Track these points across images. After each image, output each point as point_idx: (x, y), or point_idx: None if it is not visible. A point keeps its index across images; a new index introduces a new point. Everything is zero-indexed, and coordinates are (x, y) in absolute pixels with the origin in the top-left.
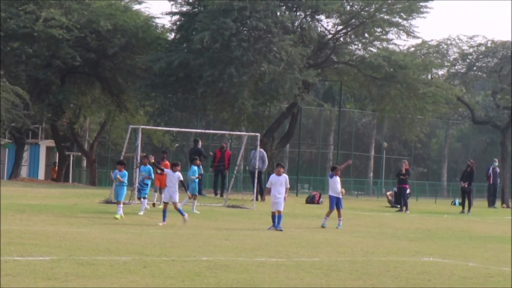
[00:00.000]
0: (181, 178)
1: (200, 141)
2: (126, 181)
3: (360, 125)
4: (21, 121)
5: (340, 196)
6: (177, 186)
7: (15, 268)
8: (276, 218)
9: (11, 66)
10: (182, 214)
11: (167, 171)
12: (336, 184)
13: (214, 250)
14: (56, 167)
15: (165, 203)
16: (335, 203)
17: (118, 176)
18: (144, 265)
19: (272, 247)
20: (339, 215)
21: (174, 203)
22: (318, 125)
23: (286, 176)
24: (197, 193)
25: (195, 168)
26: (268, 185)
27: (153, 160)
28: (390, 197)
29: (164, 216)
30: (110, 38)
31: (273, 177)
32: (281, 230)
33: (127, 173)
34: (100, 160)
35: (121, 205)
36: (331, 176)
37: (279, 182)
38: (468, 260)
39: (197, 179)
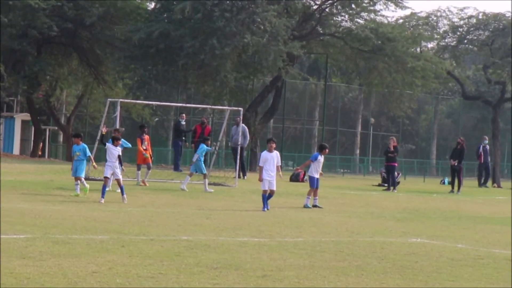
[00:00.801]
0: (120, 154)
1: (184, 115)
2: (85, 155)
3: (346, 100)
4: None
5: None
6: (117, 161)
7: None
8: (266, 198)
9: None
10: (123, 193)
11: (108, 145)
12: (320, 165)
13: (195, 229)
14: (41, 144)
15: (106, 178)
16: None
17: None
18: (122, 244)
19: (255, 227)
20: (316, 195)
21: (118, 180)
22: (303, 99)
23: (278, 153)
24: (205, 172)
25: (205, 147)
26: (260, 163)
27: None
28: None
29: (103, 193)
30: (88, 7)
31: (265, 153)
32: (268, 209)
33: (86, 147)
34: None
35: (79, 182)
36: (316, 157)
37: (272, 159)
38: (457, 242)
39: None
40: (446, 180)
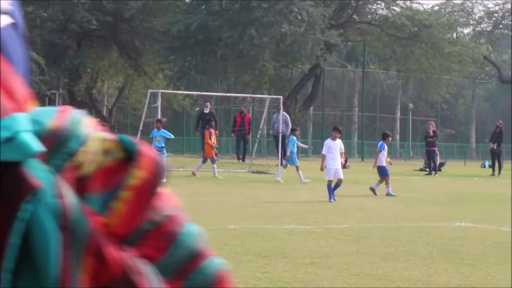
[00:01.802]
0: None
1: (208, 104)
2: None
3: (385, 86)
4: (37, 87)
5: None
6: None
7: None
8: (332, 188)
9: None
10: None
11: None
12: (385, 153)
13: (241, 218)
14: None
15: None
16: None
17: None
18: None
19: (300, 214)
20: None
21: None
22: (342, 86)
23: (341, 141)
24: (297, 164)
25: (295, 138)
26: (324, 151)
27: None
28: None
29: None
30: (127, 0)
31: (329, 141)
32: (335, 200)
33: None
34: (119, 126)
35: None
36: (383, 146)
37: (336, 147)
38: (501, 225)
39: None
40: (487, 163)
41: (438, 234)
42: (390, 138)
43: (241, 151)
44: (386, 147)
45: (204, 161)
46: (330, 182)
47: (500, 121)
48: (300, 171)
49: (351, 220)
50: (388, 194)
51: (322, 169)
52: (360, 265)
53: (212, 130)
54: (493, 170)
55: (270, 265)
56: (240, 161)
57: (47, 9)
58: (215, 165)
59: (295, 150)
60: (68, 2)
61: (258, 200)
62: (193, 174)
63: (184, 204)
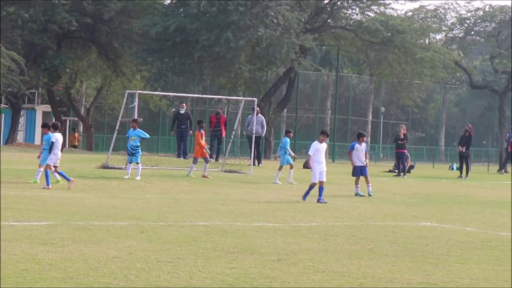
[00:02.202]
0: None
1: (184, 104)
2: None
3: (357, 90)
4: (17, 86)
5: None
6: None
7: (11, 233)
8: (311, 189)
9: (7, 31)
10: (48, 183)
11: (56, 134)
12: (360, 153)
13: (211, 215)
14: (76, 134)
15: (53, 166)
16: (360, 171)
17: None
18: (141, 230)
19: (269, 212)
20: (368, 181)
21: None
22: (316, 90)
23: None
24: (291, 163)
25: (288, 139)
26: (310, 152)
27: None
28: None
29: (67, 178)
30: (106, 2)
31: (316, 144)
32: (326, 202)
33: (51, 136)
34: (96, 125)
35: (41, 170)
36: (353, 146)
37: (322, 150)
38: (466, 225)
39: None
40: (455, 166)
41: (403, 233)
42: (364, 138)
43: (215, 151)
44: (359, 147)
45: (195, 162)
46: (313, 184)
47: (469, 125)
48: (280, 172)
49: (319, 219)
50: (356, 194)
51: (310, 167)
52: (326, 262)
53: (203, 132)
54: (461, 173)
55: (237, 261)
56: (213, 160)
57: (28, 10)
58: (207, 164)
59: (288, 151)
60: (49, 3)
61: (229, 198)
62: (205, 177)
63: (157, 201)
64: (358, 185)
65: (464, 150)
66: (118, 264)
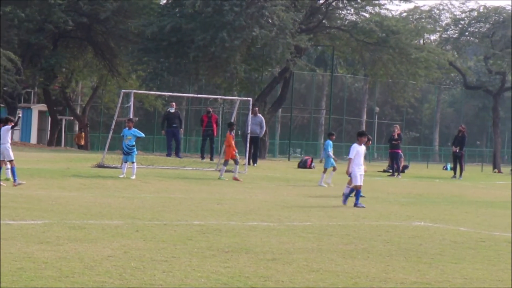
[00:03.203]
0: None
1: (174, 104)
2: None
3: (352, 90)
4: (13, 86)
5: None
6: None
7: (7, 232)
8: (349, 193)
9: (3, 30)
10: (14, 179)
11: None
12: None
13: (206, 214)
14: (83, 134)
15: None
16: None
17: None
18: (136, 229)
19: (264, 212)
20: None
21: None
22: (310, 90)
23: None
24: (329, 167)
25: (331, 142)
26: (351, 156)
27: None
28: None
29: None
30: (103, 2)
31: (356, 146)
32: (364, 207)
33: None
34: (92, 124)
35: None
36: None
37: (362, 153)
38: (459, 225)
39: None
40: (448, 166)
41: (397, 232)
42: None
43: (207, 150)
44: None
45: (225, 164)
46: (358, 187)
47: (463, 126)
48: (324, 175)
49: (314, 218)
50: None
51: (348, 173)
52: (320, 261)
53: (233, 134)
54: (455, 173)
55: (232, 260)
56: (203, 159)
57: (24, 10)
58: (237, 166)
59: (331, 153)
60: (45, 2)
61: (224, 197)
62: (236, 179)
63: (152, 200)
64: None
65: (457, 151)
66: (113, 263)
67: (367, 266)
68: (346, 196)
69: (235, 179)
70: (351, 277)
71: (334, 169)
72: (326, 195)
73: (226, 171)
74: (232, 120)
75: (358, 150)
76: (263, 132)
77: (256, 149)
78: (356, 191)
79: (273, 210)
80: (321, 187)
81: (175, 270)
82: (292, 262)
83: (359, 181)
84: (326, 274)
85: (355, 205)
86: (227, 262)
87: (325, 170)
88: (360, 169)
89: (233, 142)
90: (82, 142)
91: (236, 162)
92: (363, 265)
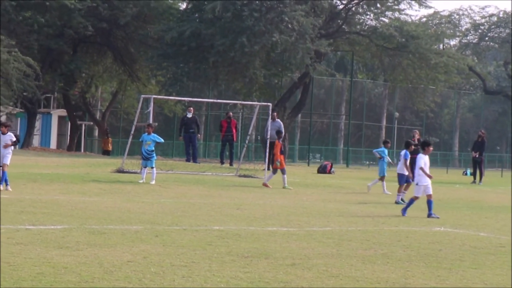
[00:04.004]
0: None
1: (191, 109)
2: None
3: (372, 95)
4: (32, 91)
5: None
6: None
7: (26, 237)
8: (413, 202)
9: (23, 35)
10: (7, 184)
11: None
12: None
13: (226, 220)
14: (110, 139)
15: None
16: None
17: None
18: (155, 234)
19: (284, 217)
20: (406, 189)
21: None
22: (330, 95)
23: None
24: (385, 175)
25: (386, 149)
26: (421, 165)
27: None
28: None
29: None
30: (122, 7)
31: (422, 156)
32: (439, 217)
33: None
34: (112, 129)
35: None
36: (406, 154)
37: (428, 162)
38: (479, 230)
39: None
40: (468, 171)
41: (417, 238)
42: (412, 147)
43: (227, 155)
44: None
45: (274, 172)
46: (416, 198)
47: (482, 131)
48: (384, 182)
49: (333, 224)
50: (397, 202)
51: (411, 179)
52: (339, 267)
53: (281, 142)
54: (474, 178)
55: (251, 265)
56: (222, 164)
57: (44, 15)
58: (285, 176)
59: (386, 160)
60: (65, 8)
61: (244, 202)
62: (265, 185)
63: (171, 205)
64: (401, 193)
65: (477, 156)
66: (132, 268)
67: (387, 272)
68: (407, 206)
69: (265, 185)
70: (370, 282)
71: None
72: (346, 200)
73: (245, 176)
74: (252, 125)
75: (425, 160)
76: (282, 137)
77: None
78: (428, 200)
79: (293, 215)
80: (385, 195)
81: (194, 275)
82: (312, 267)
83: (421, 192)
84: (345, 279)
85: (429, 215)
86: (246, 267)
87: (382, 178)
88: (427, 179)
89: (279, 151)
90: (110, 148)
91: (274, 172)
92: (382, 270)
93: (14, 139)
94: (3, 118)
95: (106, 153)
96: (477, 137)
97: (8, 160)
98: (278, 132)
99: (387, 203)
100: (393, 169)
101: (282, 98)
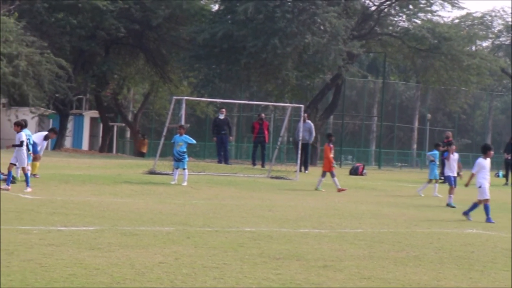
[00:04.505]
0: (22, 139)
1: (224, 110)
2: (22, 143)
3: (404, 97)
4: (64, 93)
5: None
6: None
7: (58, 238)
8: (477, 206)
9: (56, 37)
10: (8, 184)
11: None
12: (453, 163)
13: (257, 221)
14: (146, 140)
15: (13, 164)
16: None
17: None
18: (187, 236)
19: (316, 218)
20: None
21: (23, 168)
22: (362, 96)
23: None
24: (437, 177)
25: (438, 152)
26: (474, 171)
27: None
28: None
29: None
30: (154, 9)
31: (481, 161)
32: (494, 222)
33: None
34: (144, 130)
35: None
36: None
37: (488, 166)
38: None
39: None
40: (501, 173)
41: (449, 240)
42: (450, 147)
43: (259, 157)
44: (452, 156)
45: (323, 175)
46: (486, 201)
47: None
48: (437, 184)
49: (365, 225)
50: (448, 205)
51: (467, 185)
52: (371, 268)
53: (332, 145)
54: (507, 180)
55: (283, 267)
56: (254, 166)
57: (76, 16)
58: (335, 178)
59: (437, 163)
60: (97, 9)
61: (276, 204)
62: (340, 190)
63: (203, 207)
64: (451, 195)
65: (510, 157)
66: (164, 269)
67: (419, 274)
68: (469, 210)
69: (340, 190)
70: (402, 284)
71: (436, 181)
72: (378, 202)
73: (277, 177)
74: (284, 127)
75: (484, 164)
76: (313, 138)
77: (307, 156)
78: (484, 205)
79: (325, 217)
80: (418, 196)
81: (226, 276)
82: (344, 269)
83: (487, 194)
84: (377, 281)
85: (487, 220)
86: (278, 269)
87: (430, 181)
88: (487, 183)
89: (331, 154)
90: (145, 150)
91: (332, 175)
92: (414, 272)
93: (18, 142)
94: (35, 120)
95: (140, 155)
96: (509, 139)
97: (23, 162)
98: (329, 135)
99: (420, 204)
100: (426, 171)
101: (314, 99)
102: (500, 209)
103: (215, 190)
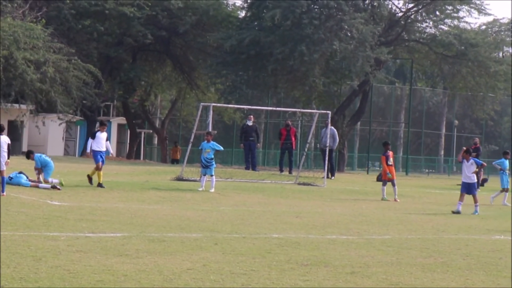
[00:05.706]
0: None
1: (252, 117)
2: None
3: (431, 103)
4: (91, 99)
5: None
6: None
7: (86, 244)
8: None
9: (83, 43)
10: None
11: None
12: (470, 169)
13: (285, 227)
14: (179, 147)
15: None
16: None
17: None
18: (215, 242)
19: (343, 225)
20: (475, 201)
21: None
22: (389, 103)
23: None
24: (508, 186)
25: (506, 161)
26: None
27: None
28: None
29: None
30: (181, 16)
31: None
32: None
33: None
34: (171, 137)
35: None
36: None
37: None
38: None
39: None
40: None
41: (477, 246)
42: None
43: (286, 163)
44: (466, 162)
45: (384, 184)
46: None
47: None
48: (507, 194)
49: (393, 232)
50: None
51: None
52: (399, 275)
53: (390, 153)
54: None
55: (311, 273)
56: (282, 172)
57: (104, 23)
58: (395, 187)
59: (507, 172)
60: (124, 16)
61: (303, 210)
62: (395, 200)
63: (231, 213)
64: (461, 202)
65: None
66: (192, 276)
67: (446, 280)
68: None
69: (395, 200)
70: None
71: (506, 190)
72: (406, 208)
73: (304, 184)
74: (311, 133)
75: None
76: (336, 144)
77: (332, 162)
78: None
79: (352, 223)
80: (505, 207)
81: (254, 283)
82: (371, 275)
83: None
84: (405, 287)
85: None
86: (306, 276)
87: (506, 190)
88: None
89: (388, 162)
90: (178, 156)
91: (393, 184)
92: (442, 278)
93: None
94: (63, 126)
95: (174, 161)
96: None
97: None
98: (383, 145)
99: (448, 210)
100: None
101: (341, 106)
102: None
103: (243, 196)
